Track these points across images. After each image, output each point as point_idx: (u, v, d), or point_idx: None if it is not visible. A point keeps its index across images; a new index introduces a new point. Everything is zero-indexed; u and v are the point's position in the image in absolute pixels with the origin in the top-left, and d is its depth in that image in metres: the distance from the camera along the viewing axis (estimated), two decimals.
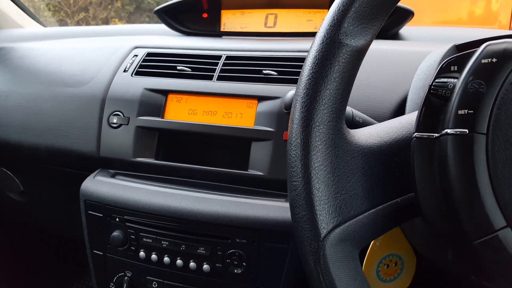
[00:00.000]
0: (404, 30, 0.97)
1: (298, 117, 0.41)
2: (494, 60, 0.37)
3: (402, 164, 0.43)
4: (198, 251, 0.73)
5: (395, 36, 0.96)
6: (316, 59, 0.41)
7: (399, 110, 0.68)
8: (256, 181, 0.75)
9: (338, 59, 0.40)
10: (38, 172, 1.00)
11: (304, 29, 1.02)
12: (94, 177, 0.82)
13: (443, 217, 0.39)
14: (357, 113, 0.58)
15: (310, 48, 0.42)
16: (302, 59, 0.79)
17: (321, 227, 0.40)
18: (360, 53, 0.41)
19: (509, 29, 3.03)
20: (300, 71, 0.43)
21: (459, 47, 0.64)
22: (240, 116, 0.78)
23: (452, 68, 0.40)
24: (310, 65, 0.41)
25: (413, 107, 0.61)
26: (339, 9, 0.41)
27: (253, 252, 0.71)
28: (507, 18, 3.05)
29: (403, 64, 0.75)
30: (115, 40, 1.01)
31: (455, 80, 0.39)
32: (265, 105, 0.76)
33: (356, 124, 0.57)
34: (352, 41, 0.40)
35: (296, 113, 0.41)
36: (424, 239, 0.58)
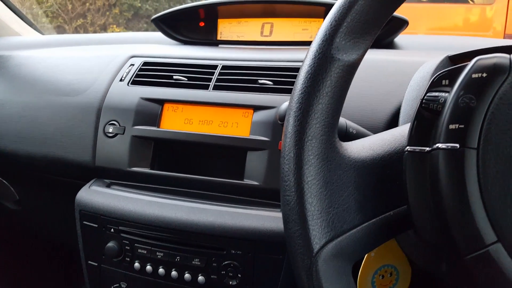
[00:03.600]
0: (399, 39, 0.97)
1: (291, 131, 0.41)
2: (484, 74, 0.37)
3: (395, 177, 0.43)
4: (193, 262, 0.72)
5: (390, 45, 0.97)
6: (309, 74, 0.41)
7: (393, 120, 0.69)
8: (252, 191, 0.75)
9: (330, 74, 0.40)
10: (33, 181, 1.00)
11: (300, 38, 1.02)
12: (89, 187, 0.82)
13: (435, 231, 0.39)
14: (351, 124, 0.58)
15: (302, 63, 0.42)
16: (298, 69, 0.79)
17: (314, 242, 0.40)
18: (352, 67, 0.41)
19: (504, 36, 3.05)
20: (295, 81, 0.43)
21: (452, 58, 0.64)
22: (235, 125, 0.78)
23: (443, 82, 0.40)
24: (302, 80, 0.41)
25: (406, 118, 0.61)
26: (331, 24, 0.41)
27: (248, 263, 0.70)
28: (502, 25, 3.07)
29: (397, 74, 0.75)
30: (112, 49, 1.01)
31: (446, 94, 0.39)
32: (261, 115, 0.76)
33: (350, 135, 0.57)
34: (344, 56, 0.41)
35: (289, 127, 0.41)
36: (419, 250, 0.58)
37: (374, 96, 0.72)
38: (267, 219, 0.70)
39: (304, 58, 0.43)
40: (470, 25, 3.26)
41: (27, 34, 1.34)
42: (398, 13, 0.87)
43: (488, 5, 3.18)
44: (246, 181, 0.75)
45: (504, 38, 3.02)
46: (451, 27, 3.27)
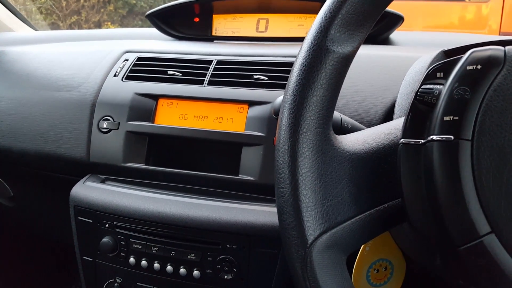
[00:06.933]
0: (395, 35, 0.98)
1: (285, 124, 0.41)
2: (479, 66, 0.37)
3: (389, 170, 0.44)
4: (189, 257, 0.72)
5: (386, 41, 0.97)
6: (303, 66, 0.41)
7: (388, 115, 0.69)
8: (247, 186, 0.75)
9: (325, 66, 0.40)
10: (27, 178, 0.99)
11: (295, 34, 1.02)
12: (83, 183, 0.82)
13: (429, 223, 0.39)
14: (345, 118, 0.58)
15: (297, 55, 0.42)
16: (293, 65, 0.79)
17: (308, 234, 0.40)
18: (347, 59, 0.41)
19: (499, 33, 3.06)
20: None
21: (447, 53, 0.64)
22: (231, 121, 0.78)
23: (438, 74, 0.40)
24: (297, 72, 0.41)
25: (401, 112, 0.62)
26: (326, 16, 0.41)
27: (243, 257, 0.70)
28: (497, 22, 3.08)
29: (392, 69, 0.75)
30: (106, 45, 1.01)
31: (441, 86, 0.39)
32: (256, 110, 0.76)
33: (344, 129, 0.57)
34: (339, 48, 0.41)
35: (284, 120, 0.41)
36: (413, 243, 0.58)
37: (369, 91, 0.72)
38: (262, 214, 0.70)
39: (299, 50, 0.43)
40: (465, 22, 3.27)
41: (21, 30, 1.33)
42: (393, 9, 0.88)
43: (484, 3, 3.19)
44: (241, 177, 0.75)
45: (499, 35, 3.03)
46: (446, 24, 3.28)
